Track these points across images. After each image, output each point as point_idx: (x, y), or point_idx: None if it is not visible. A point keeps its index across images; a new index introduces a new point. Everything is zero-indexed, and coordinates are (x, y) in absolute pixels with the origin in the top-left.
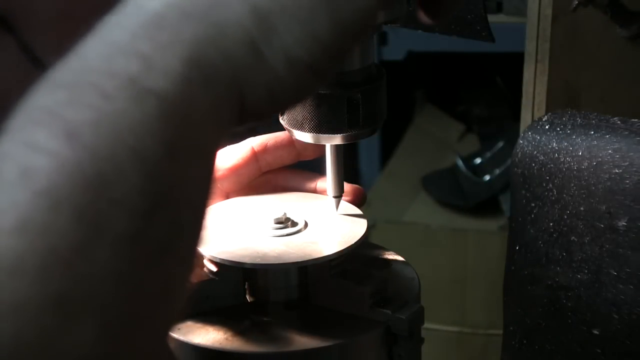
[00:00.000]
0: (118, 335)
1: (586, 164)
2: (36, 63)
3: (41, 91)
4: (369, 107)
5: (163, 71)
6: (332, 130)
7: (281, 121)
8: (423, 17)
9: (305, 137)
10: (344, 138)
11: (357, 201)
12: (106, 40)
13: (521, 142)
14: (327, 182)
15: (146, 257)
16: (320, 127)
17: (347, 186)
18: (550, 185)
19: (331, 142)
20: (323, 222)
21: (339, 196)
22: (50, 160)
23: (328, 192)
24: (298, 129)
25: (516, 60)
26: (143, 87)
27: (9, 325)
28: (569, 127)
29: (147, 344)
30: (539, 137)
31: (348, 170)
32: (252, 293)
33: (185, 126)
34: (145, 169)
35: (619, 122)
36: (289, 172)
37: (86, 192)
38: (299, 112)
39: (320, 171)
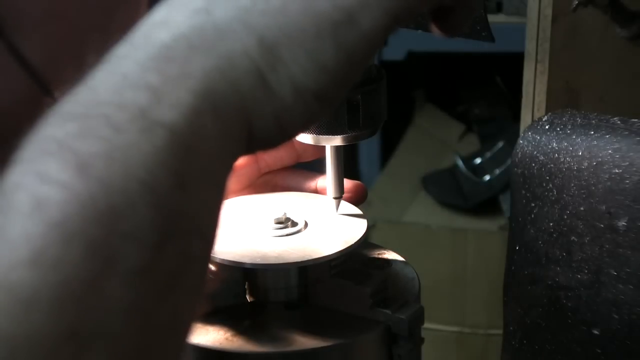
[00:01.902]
0: None
1: (586, 164)
2: (23, 64)
3: (51, 123)
4: (368, 109)
5: (172, 103)
6: (332, 131)
7: None
8: (435, 31)
9: (305, 138)
10: (344, 139)
11: (358, 197)
12: (116, 73)
13: (521, 142)
14: (327, 183)
15: (157, 289)
16: (320, 128)
17: (348, 182)
18: (550, 185)
19: (331, 143)
20: (323, 222)
21: (339, 197)
22: (62, 192)
23: (328, 193)
24: None
25: (516, 60)
26: (153, 119)
27: (24, 358)
28: (569, 127)
29: None
30: (539, 137)
31: (348, 170)
32: (252, 293)
33: (195, 157)
34: (155, 201)
35: (619, 122)
36: (289, 172)
37: (98, 226)
38: None
39: (320, 171)
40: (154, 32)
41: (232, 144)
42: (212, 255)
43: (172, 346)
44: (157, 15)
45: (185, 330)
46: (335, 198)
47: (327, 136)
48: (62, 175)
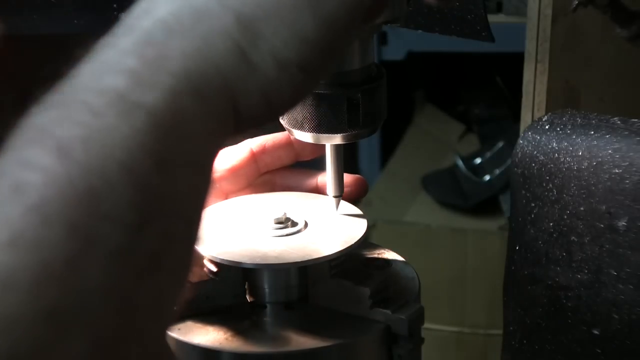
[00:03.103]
0: (110, 349)
1: (586, 164)
2: None
3: (35, 112)
4: (368, 107)
5: (151, 85)
6: (332, 130)
7: (281, 121)
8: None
9: (305, 137)
10: (344, 138)
11: (359, 191)
12: (96, 60)
13: (521, 142)
14: (327, 182)
15: (137, 270)
16: (320, 127)
17: (348, 177)
18: (550, 185)
19: (331, 141)
20: (323, 222)
21: (339, 196)
22: (41, 175)
23: (328, 192)
24: (298, 129)
25: (516, 60)
26: (132, 101)
27: (2, 339)
28: (569, 127)
29: (139, 357)
30: (539, 137)
31: (348, 170)
32: (252, 293)
33: (175, 138)
34: (134, 182)
35: (619, 122)
36: (288, 171)
37: (77, 207)
38: (299, 112)
39: (320, 170)
40: (136, 20)
41: (216, 124)
42: (212, 255)
43: (153, 329)
44: (142, 5)
45: (167, 314)
46: (335, 197)
47: (327, 135)
48: (42, 159)
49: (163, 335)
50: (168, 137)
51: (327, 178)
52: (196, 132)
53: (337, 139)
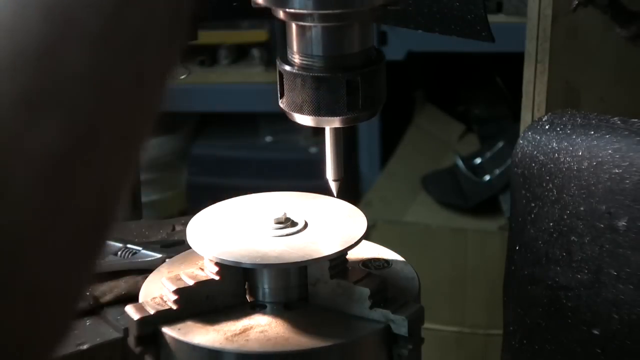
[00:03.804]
0: (84, 132)
1: (586, 164)
2: None
3: None
4: (368, 90)
5: None
6: (331, 112)
7: (281, 105)
8: None
9: (305, 120)
10: (343, 121)
11: None
12: None
13: (521, 142)
14: (326, 165)
15: (117, 53)
16: (320, 110)
17: None
18: (550, 185)
19: (331, 124)
20: (323, 222)
21: (338, 179)
22: None
23: (327, 175)
24: (297, 112)
25: (516, 60)
26: None
27: None
28: (569, 127)
29: (117, 146)
30: (539, 137)
31: (348, 170)
32: (252, 293)
33: None
34: None
35: (619, 122)
36: None
37: None
38: (299, 95)
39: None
40: None
41: None
42: (212, 255)
43: (132, 119)
44: None
45: (154, 96)
46: (334, 180)
47: (327, 117)
48: None
49: (144, 129)
50: None
51: (326, 161)
52: None
53: (337, 122)
